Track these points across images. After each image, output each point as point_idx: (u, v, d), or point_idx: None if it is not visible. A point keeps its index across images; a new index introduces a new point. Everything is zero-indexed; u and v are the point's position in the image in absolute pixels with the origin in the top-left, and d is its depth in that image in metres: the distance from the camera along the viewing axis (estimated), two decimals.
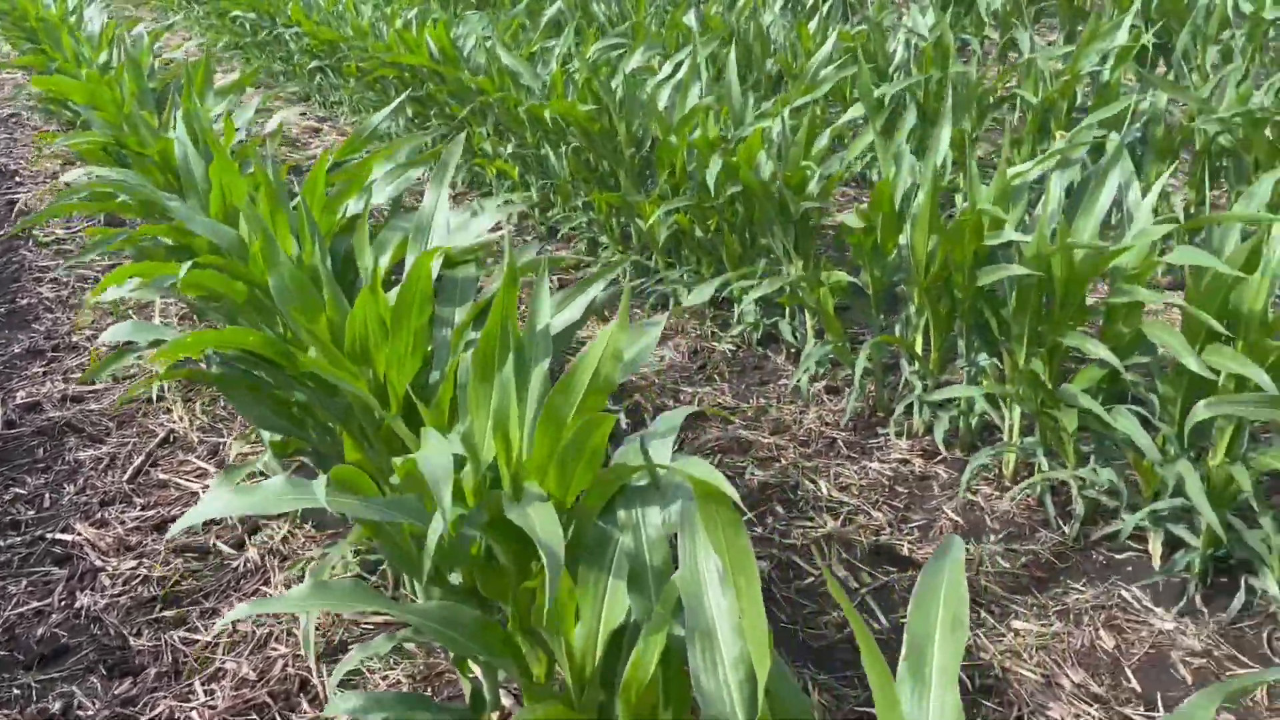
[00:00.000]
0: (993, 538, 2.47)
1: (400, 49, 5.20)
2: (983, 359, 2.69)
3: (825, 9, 5.46)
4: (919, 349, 2.85)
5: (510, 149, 4.43)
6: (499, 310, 1.68)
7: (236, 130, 3.40)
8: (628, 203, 3.73)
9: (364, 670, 2.10)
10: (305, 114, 6.74)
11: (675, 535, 1.42)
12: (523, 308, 3.26)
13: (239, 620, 2.25)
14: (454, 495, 1.68)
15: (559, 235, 4.39)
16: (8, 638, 2.24)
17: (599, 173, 4.03)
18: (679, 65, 3.93)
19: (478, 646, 1.41)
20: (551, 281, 3.30)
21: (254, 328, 2.36)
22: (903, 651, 1.10)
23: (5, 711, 2.04)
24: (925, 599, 1.12)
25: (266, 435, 2.11)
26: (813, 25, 4.91)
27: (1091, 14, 5.20)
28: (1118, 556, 2.39)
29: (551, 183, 4.37)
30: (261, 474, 2.40)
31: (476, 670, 1.92)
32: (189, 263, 2.33)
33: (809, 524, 2.55)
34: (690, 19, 5.40)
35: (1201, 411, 1.89)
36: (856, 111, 3.42)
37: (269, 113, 5.92)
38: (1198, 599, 2.22)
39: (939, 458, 2.79)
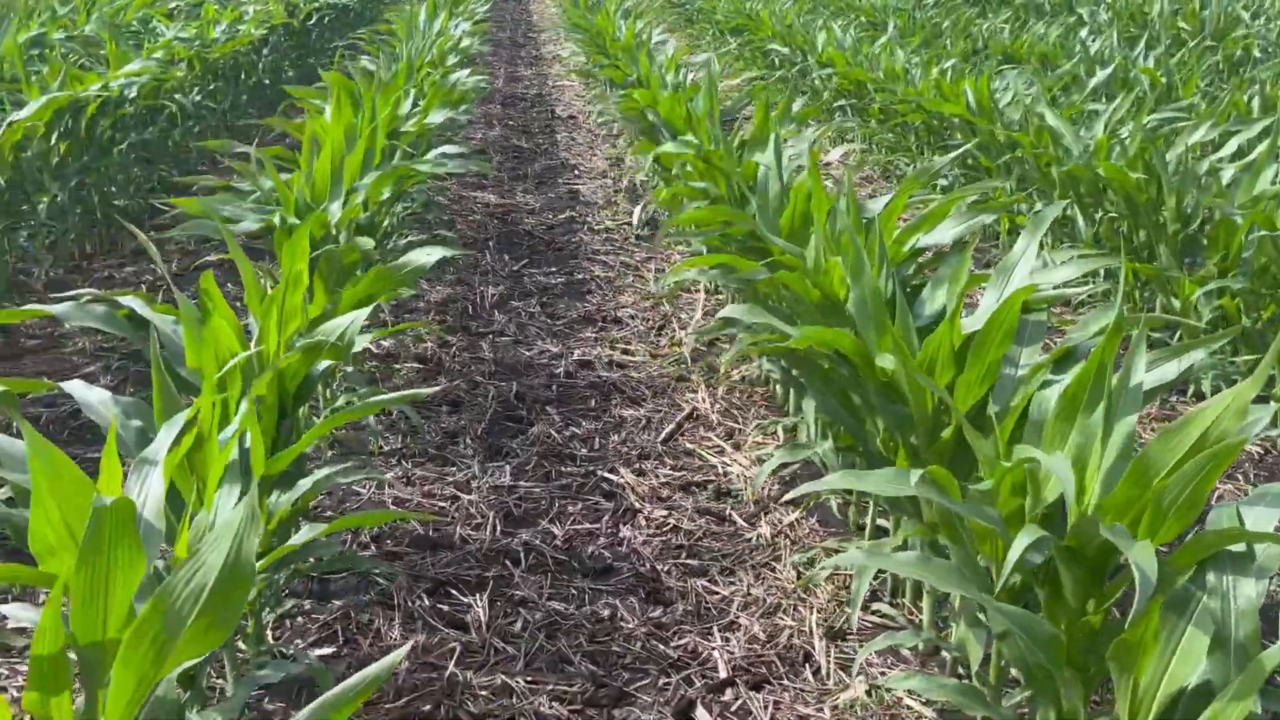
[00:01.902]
0: None
1: (933, 95, 5.37)
2: None
3: None
4: None
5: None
6: (1097, 358, 1.76)
7: (790, 160, 3.76)
8: (1165, 277, 3.59)
9: (864, 662, 2.25)
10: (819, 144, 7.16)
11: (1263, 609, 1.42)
12: None
13: (819, 571, 2.52)
14: (1015, 518, 1.79)
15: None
16: (568, 548, 2.70)
17: (1132, 243, 3.92)
18: (1252, 145, 3.71)
19: (1046, 656, 1.51)
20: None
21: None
22: None
23: (564, 604, 2.47)
24: None
25: (815, 427, 2.35)
26: None
27: None
28: None
29: (1073, 244, 4.30)
30: (819, 459, 2.63)
31: None
32: (765, 261, 2.67)
33: None
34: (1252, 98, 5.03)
35: None
36: None
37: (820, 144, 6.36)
38: None
39: None
